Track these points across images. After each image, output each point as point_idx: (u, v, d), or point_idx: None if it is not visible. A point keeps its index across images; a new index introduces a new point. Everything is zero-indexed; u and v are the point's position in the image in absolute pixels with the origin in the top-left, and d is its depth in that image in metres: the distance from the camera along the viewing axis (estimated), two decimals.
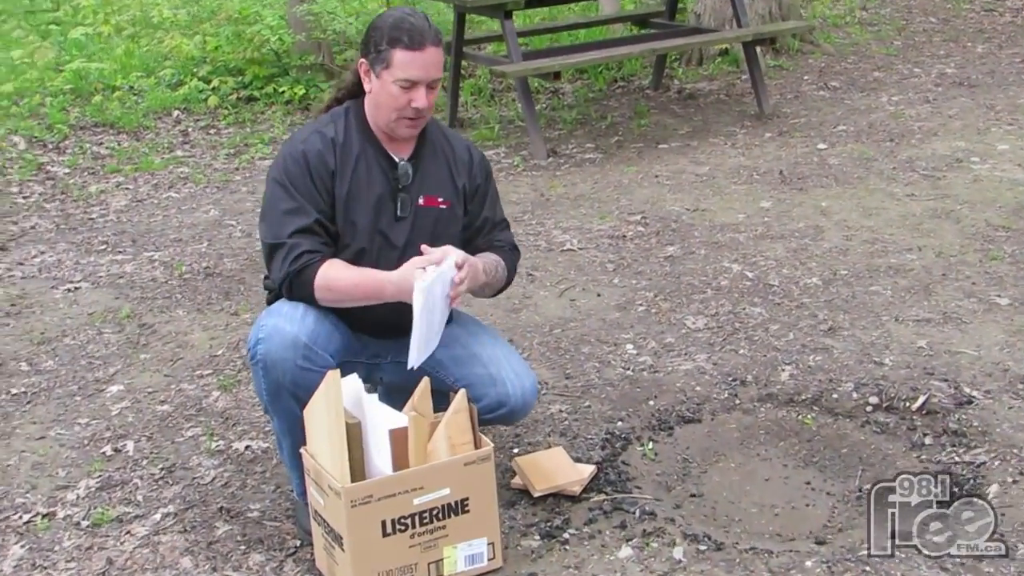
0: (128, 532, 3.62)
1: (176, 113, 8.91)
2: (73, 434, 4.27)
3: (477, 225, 3.61)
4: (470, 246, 3.55)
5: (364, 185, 3.40)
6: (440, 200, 3.50)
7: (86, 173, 7.62)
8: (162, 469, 3.98)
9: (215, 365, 4.74)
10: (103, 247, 6.27)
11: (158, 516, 3.69)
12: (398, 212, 3.43)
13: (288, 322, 3.27)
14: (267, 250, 3.37)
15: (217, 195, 7.13)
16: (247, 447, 4.09)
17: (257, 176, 7.45)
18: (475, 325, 3.71)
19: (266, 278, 3.55)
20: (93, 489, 3.88)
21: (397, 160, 3.44)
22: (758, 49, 8.41)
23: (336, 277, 3.31)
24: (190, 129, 8.59)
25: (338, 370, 3.11)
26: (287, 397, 3.29)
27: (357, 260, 3.38)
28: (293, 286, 3.31)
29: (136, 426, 4.30)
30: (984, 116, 7.92)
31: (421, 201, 3.46)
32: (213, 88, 9.18)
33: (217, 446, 4.11)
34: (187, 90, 9.15)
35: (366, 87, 3.39)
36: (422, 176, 3.48)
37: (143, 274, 5.82)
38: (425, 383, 3.26)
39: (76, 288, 5.68)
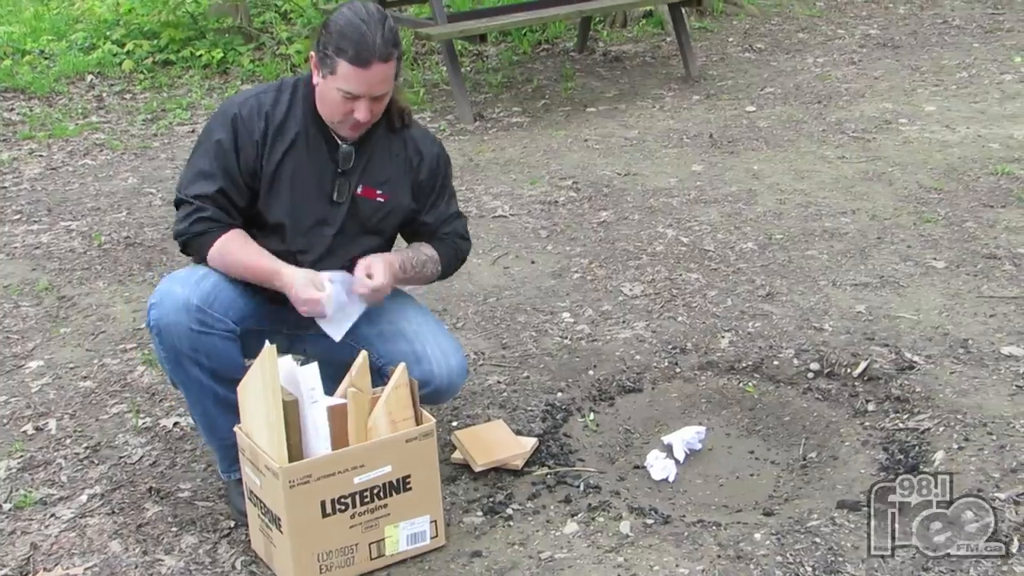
0: (53, 515, 3.46)
1: (90, 78, 8.67)
2: None
3: (428, 222, 3.51)
4: (416, 238, 3.54)
5: (300, 163, 3.28)
6: (379, 193, 3.38)
7: None
8: (87, 448, 3.82)
9: (139, 339, 4.58)
10: (17, 216, 6.05)
11: (84, 497, 3.54)
12: (335, 196, 3.33)
13: (181, 285, 3.18)
14: (175, 198, 3.33)
15: (135, 162, 6.92)
16: (175, 424, 3.94)
17: (176, 142, 7.25)
18: (404, 299, 3.59)
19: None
20: (14, 470, 3.71)
21: (339, 143, 3.31)
22: (683, 10, 8.33)
23: (230, 253, 3.24)
24: (105, 94, 8.36)
25: (274, 346, 2.98)
26: (189, 364, 3.18)
27: (275, 233, 3.31)
28: (189, 246, 3.30)
29: (58, 403, 4.13)
30: (909, 77, 7.92)
31: (359, 190, 3.35)
32: (127, 52, 8.96)
33: (144, 423, 3.96)
34: (100, 54, 8.90)
35: (314, 78, 3.24)
36: (366, 164, 3.35)
37: (60, 244, 5.63)
38: (363, 358, 3.15)
39: None
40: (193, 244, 3.27)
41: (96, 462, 3.74)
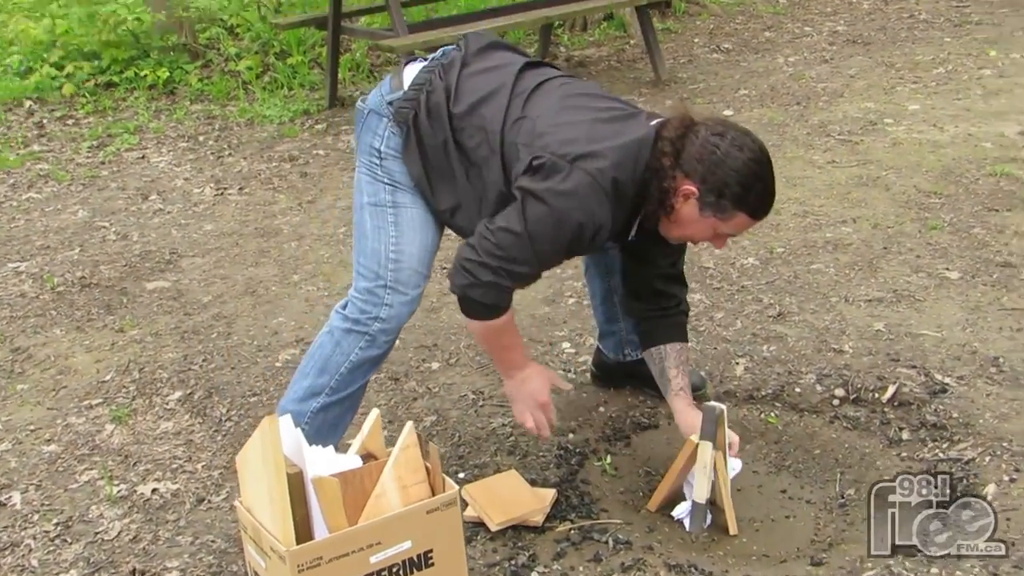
0: None
1: (28, 104, 8.25)
2: None
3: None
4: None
5: None
6: None
7: None
8: (57, 524, 3.44)
9: (105, 393, 4.20)
10: None
11: None
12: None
13: (410, 308, 3.31)
14: (483, 259, 3.05)
15: (84, 193, 6.52)
16: (154, 491, 3.57)
17: (126, 170, 6.85)
18: None
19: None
20: None
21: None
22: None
23: (501, 333, 3.22)
24: (45, 120, 7.94)
25: (275, 415, 2.65)
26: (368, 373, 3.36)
27: None
28: (465, 304, 3.16)
29: (21, 472, 3.74)
30: (886, 75, 7.68)
31: None
32: (67, 75, 8.54)
33: (119, 491, 3.58)
34: (38, 78, 8.48)
35: (674, 202, 3.03)
36: None
37: (10, 289, 5.22)
38: (375, 417, 2.82)
39: None
40: (473, 309, 3.13)
41: (69, 540, 3.36)
